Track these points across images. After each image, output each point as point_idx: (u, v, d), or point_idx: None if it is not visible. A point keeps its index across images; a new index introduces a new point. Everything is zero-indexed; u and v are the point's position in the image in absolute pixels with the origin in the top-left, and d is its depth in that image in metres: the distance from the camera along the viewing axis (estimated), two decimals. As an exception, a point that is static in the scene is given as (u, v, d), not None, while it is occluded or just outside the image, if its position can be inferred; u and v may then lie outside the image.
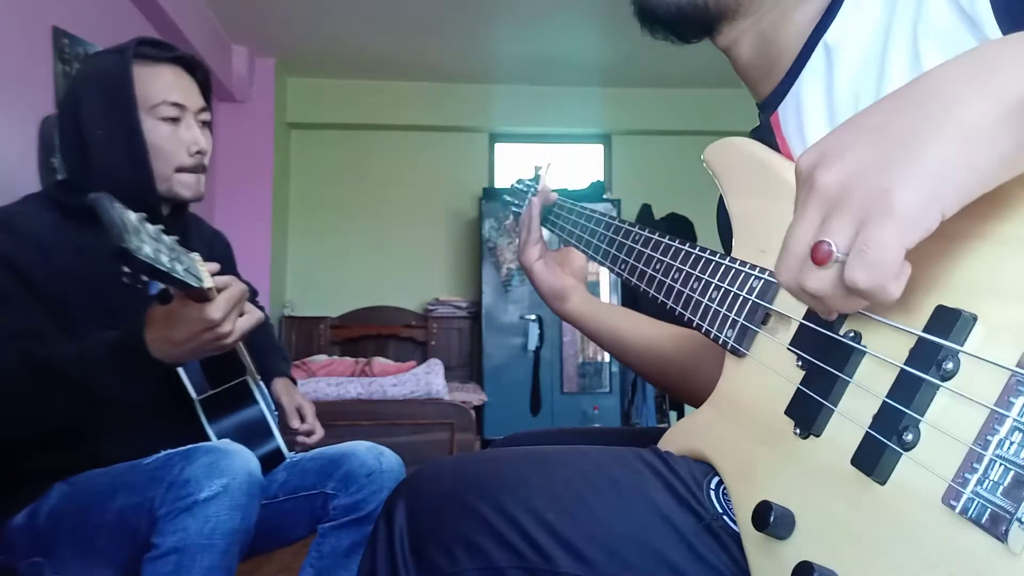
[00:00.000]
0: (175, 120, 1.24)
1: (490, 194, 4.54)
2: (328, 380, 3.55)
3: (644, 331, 0.99)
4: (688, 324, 0.72)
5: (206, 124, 1.30)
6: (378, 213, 4.91)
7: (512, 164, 5.23)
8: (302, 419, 1.47)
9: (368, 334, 4.66)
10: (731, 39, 0.79)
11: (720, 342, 0.66)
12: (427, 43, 4.24)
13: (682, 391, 0.96)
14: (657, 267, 0.78)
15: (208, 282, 0.96)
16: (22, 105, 2.17)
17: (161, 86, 1.22)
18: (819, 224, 0.43)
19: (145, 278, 0.86)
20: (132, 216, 0.85)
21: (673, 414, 4.23)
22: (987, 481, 0.39)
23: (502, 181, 5.15)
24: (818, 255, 0.42)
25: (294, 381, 1.56)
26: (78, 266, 1.15)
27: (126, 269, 0.83)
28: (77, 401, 1.04)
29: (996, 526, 0.38)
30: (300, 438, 1.46)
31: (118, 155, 1.19)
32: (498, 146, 5.22)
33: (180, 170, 1.25)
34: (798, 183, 0.45)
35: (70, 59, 2.40)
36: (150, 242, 0.86)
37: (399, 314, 4.77)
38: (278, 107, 4.53)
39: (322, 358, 3.98)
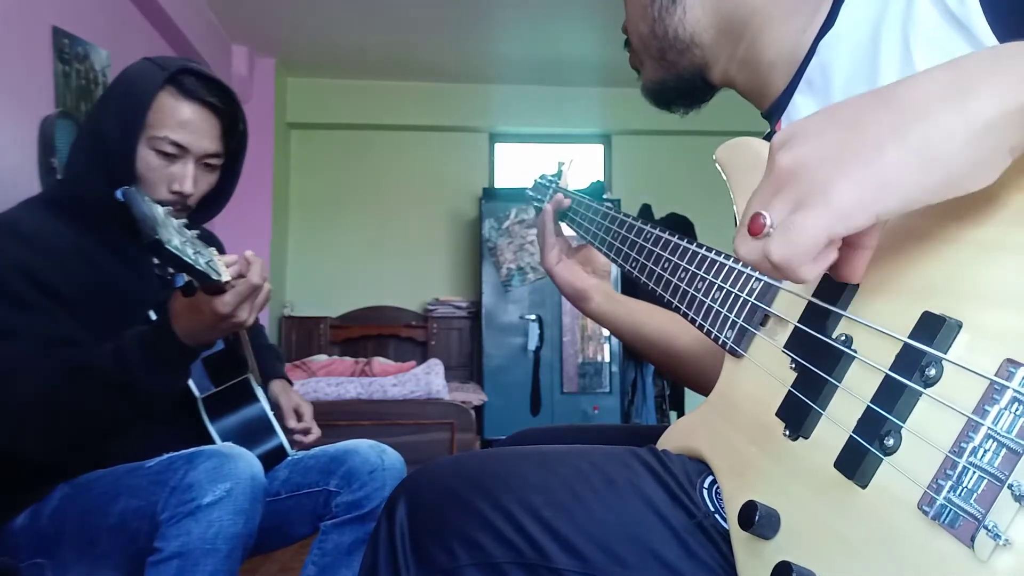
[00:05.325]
0: (171, 156, 1.20)
1: (490, 194, 4.54)
2: (328, 380, 3.55)
3: (666, 328, 1.00)
4: (693, 323, 0.72)
5: (211, 167, 1.26)
6: (378, 213, 4.91)
7: (512, 164, 5.23)
8: (299, 418, 1.48)
9: (368, 334, 4.66)
10: (721, 77, 0.85)
11: (720, 342, 0.67)
12: (427, 43, 4.24)
13: (703, 388, 0.96)
14: (665, 266, 0.78)
15: (225, 276, 0.99)
16: (22, 105, 2.17)
17: (172, 122, 1.19)
18: (769, 200, 0.45)
19: (172, 270, 0.88)
20: (160, 210, 0.87)
21: (673, 414, 4.24)
22: (960, 488, 0.39)
23: (502, 181, 5.16)
24: (753, 226, 0.44)
25: (290, 382, 1.57)
26: (82, 269, 1.16)
27: (156, 260, 0.85)
28: (119, 400, 1.05)
29: (965, 532, 0.38)
30: (297, 436, 1.46)
31: (112, 166, 1.18)
32: (498, 146, 5.22)
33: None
34: (768, 158, 0.46)
35: (70, 59, 2.40)
36: (176, 235, 0.88)
37: (399, 314, 4.77)
38: (278, 107, 4.53)
39: (322, 358, 3.97)
